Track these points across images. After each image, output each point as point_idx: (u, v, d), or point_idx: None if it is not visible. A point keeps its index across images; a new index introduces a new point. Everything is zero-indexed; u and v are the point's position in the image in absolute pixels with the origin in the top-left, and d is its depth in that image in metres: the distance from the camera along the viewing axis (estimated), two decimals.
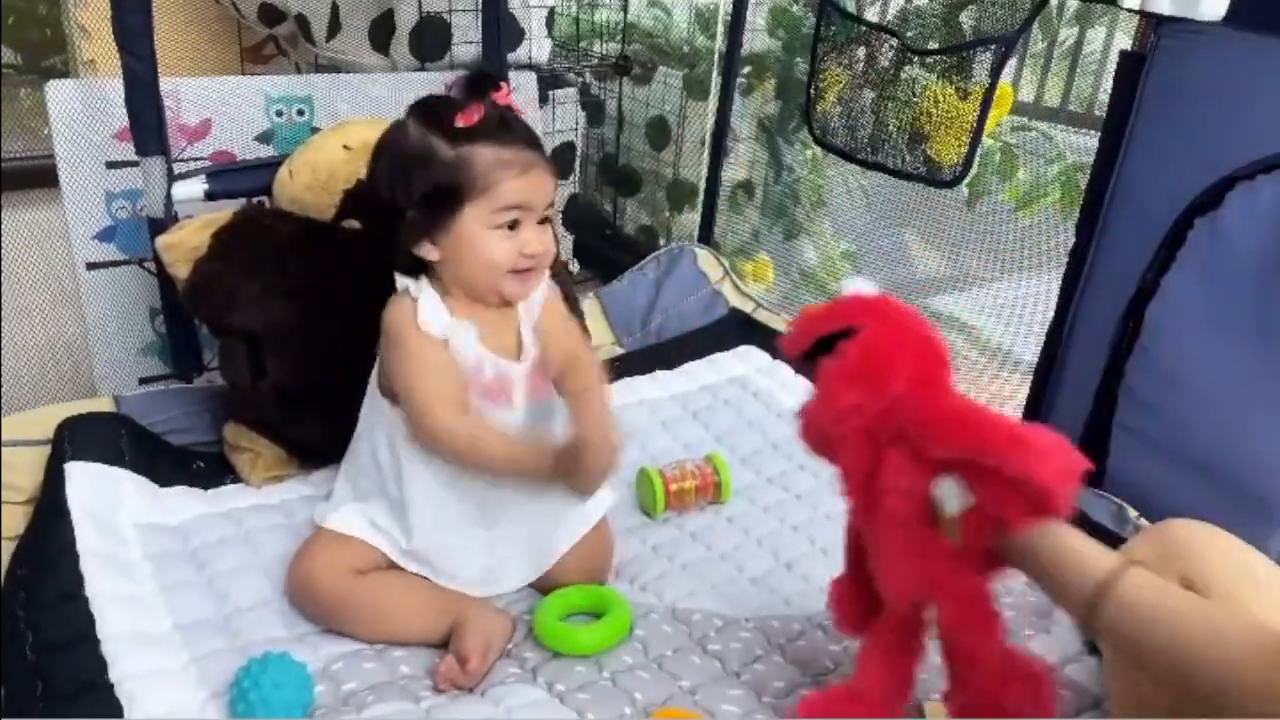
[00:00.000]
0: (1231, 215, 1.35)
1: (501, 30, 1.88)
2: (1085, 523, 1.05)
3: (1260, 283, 1.34)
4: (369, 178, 1.22)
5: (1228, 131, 1.36)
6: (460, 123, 1.12)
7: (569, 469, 1.08)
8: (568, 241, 2.57)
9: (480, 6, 1.97)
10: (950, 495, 0.92)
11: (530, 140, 1.18)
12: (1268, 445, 1.35)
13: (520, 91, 2.04)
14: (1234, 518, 1.05)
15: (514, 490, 1.24)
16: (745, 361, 1.88)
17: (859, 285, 1.02)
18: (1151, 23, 1.42)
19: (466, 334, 1.17)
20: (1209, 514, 1.04)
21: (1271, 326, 1.33)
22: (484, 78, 1.15)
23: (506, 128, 1.15)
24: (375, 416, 1.23)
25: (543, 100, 2.33)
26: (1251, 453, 1.37)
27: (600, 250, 2.77)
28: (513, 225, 1.15)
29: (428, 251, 1.16)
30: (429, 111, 1.16)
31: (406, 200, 1.14)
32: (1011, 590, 1.31)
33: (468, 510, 1.21)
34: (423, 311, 1.16)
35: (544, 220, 1.19)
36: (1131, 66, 1.45)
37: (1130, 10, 1.43)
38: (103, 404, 1.48)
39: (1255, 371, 1.35)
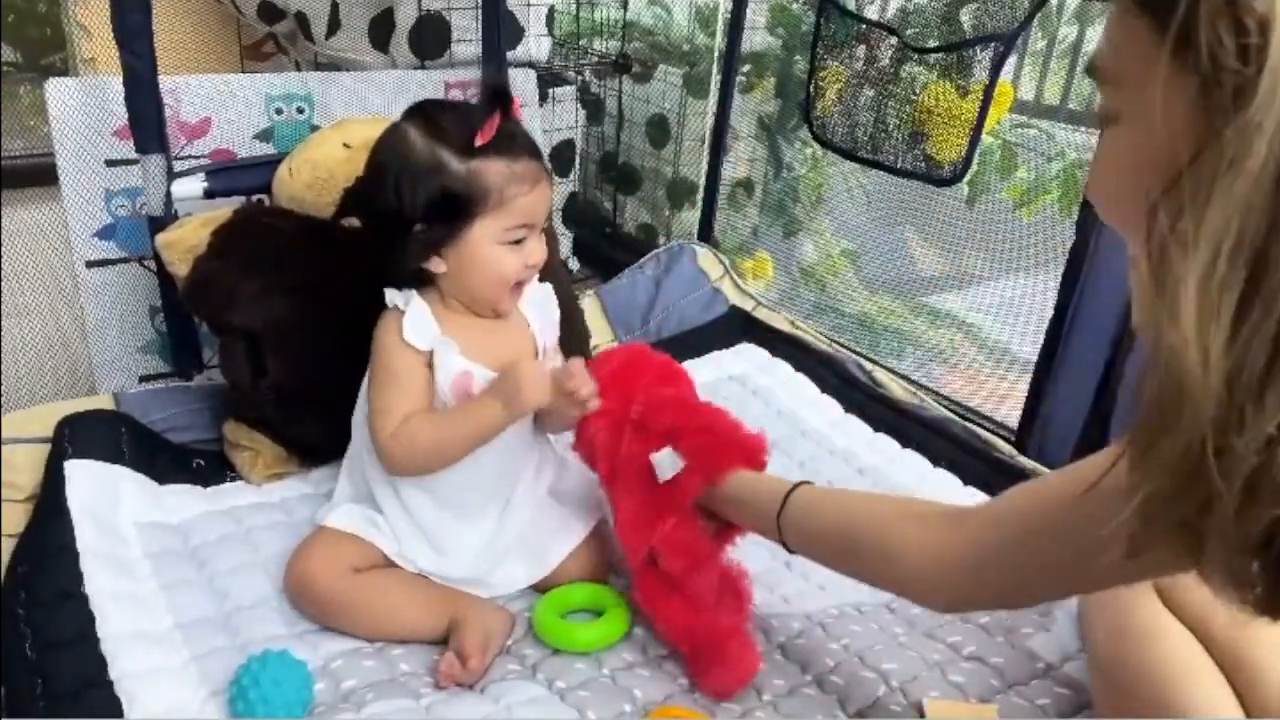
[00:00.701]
0: None
1: (501, 28, 1.87)
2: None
3: None
4: (366, 187, 1.20)
5: None
6: (479, 140, 1.11)
7: (510, 394, 1.14)
8: (567, 240, 2.57)
9: (480, 4, 1.97)
10: (666, 461, 1.16)
11: (534, 151, 1.18)
12: None
13: (520, 89, 2.04)
14: None
15: (511, 487, 1.25)
16: (745, 359, 1.88)
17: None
18: None
19: (450, 350, 1.16)
20: None
21: None
22: (501, 93, 1.15)
23: (514, 140, 1.15)
24: (364, 425, 1.23)
25: (542, 98, 2.33)
26: None
27: (600, 248, 2.77)
28: (519, 240, 1.16)
29: (435, 265, 1.16)
30: (432, 121, 1.15)
31: (414, 213, 1.13)
32: None
33: (466, 508, 1.22)
34: (408, 325, 1.16)
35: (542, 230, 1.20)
36: None
37: None
38: (102, 402, 1.48)
39: None
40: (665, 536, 1.15)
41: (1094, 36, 2.37)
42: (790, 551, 1.08)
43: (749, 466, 1.15)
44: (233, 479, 1.44)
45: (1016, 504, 0.85)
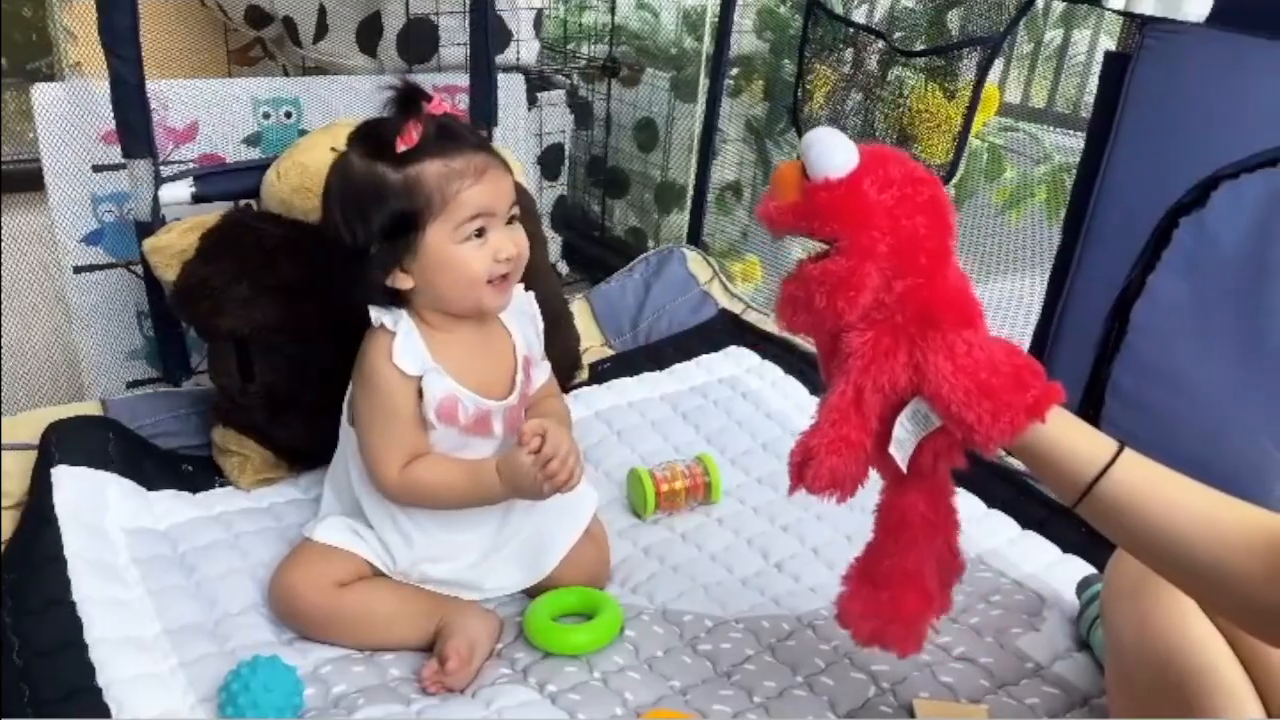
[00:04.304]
0: (1216, 214, 1.36)
1: (489, 32, 1.87)
2: None
3: (1245, 282, 1.35)
4: (324, 220, 1.19)
5: (1212, 131, 1.37)
6: (401, 146, 1.10)
7: (513, 476, 1.12)
8: (556, 243, 2.57)
9: (468, 8, 1.97)
10: (909, 426, 0.91)
11: (478, 143, 1.16)
12: (1254, 443, 1.36)
13: (508, 93, 2.04)
14: None
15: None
16: (735, 362, 1.88)
17: (830, 159, 0.86)
18: (1136, 23, 1.43)
19: (440, 376, 1.16)
20: None
21: (1257, 325, 1.34)
22: (411, 93, 1.13)
23: (450, 136, 1.13)
24: (348, 441, 1.23)
25: (531, 102, 2.33)
26: (1239, 451, 1.38)
27: (589, 252, 2.77)
28: (480, 233, 1.14)
29: (401, 281, 1.15)
30: (368, 139, 1.14)
31: (367, 236, 1.12)
32: (1000, 589, 1.32)
33: (464, 518, 1.22)
34: (399, 349, 1.15)
35: (511, 220, 1.17)
36: (1116, 67, 1.46)
37: (1114, 11, 1.44)
38: (90, 408, 1.48)
39: (1241, 370, 1.36)
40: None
41: (1080, 40, 2.38)
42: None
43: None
44: (221, 484, 1.43)
45: None
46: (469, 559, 1.23)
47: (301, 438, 1.41)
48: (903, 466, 0.92)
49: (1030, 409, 0.84)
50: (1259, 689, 0.93)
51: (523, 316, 1.28)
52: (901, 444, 0.91)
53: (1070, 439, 0.85)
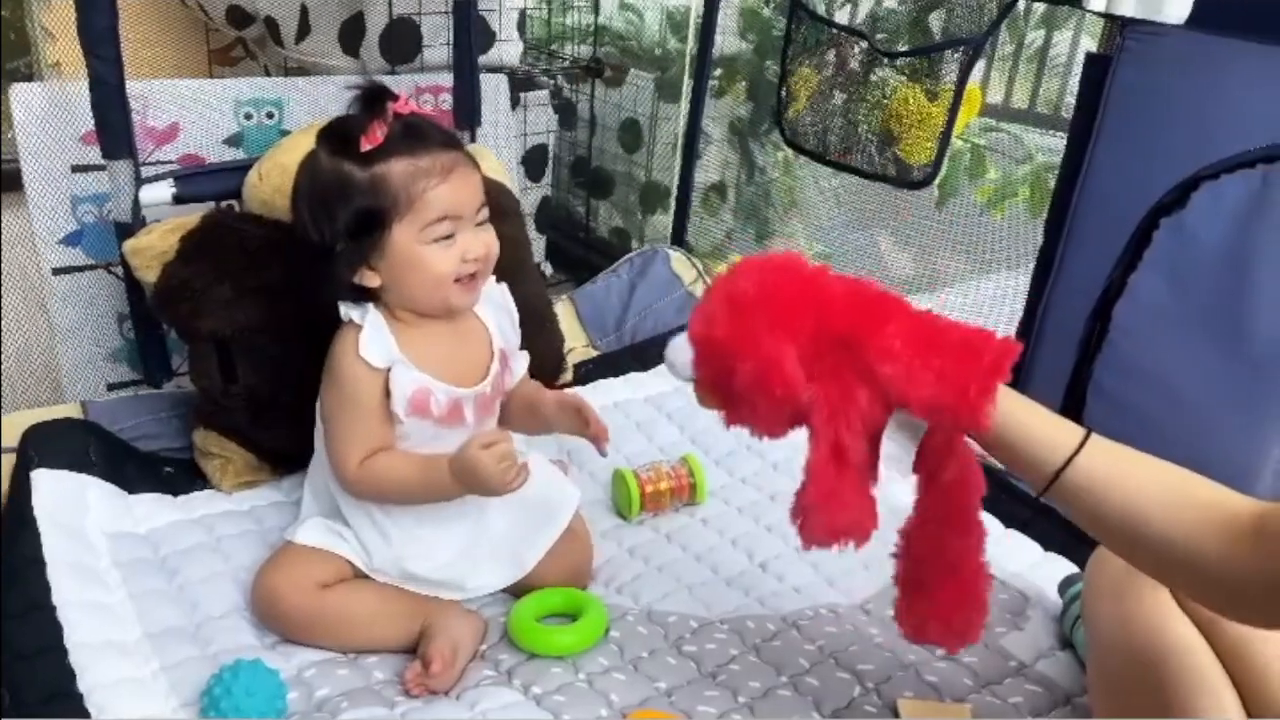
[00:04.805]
0: (1197, 215, 1.37)
1: (472, 32, 1.87)
2: None
3: (1226, 282, 1.35)
4: (293, 218, 1.19)
5: (1192, 132, 1.38)
6: (365, 146, 1.10)
7: (464, 472, 1.10)
8: (540, 243, 2.57)
9: (451, 8, 1.96)
10: (898, 441, 0.94)
11: (446, 141, 1.15)
12: (1236, 442, 1.37)
13: (492, 94, 2.04)
14: None
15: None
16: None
17: (680, 357, 0.96)
18: (1116, 25, 1.44)
19: (406, 369, 1.15)
20: None
21: (1237, 326, 1.35)
22: (377, 92, 1.12)
23: (417, 135, 1.12)
24: (323, 440, 1.23)
25: (515, 103, 2.32)
26: (1220, 449, 1.39)
27: (573, 252, 2.77)
28: (448, 235, 1.13)
29: (368, 279, 1.15)
30: (335, 137, 1.14)
31: (333, 234, 1.12)
32: None
33: (440, 517, 1.21)
34: (365, 342, 1.15)
35: (481, 219, 1.17)
36: (1097, 69, 1.46)
37: (1095, 13, 1.45)
38: (70, 410, 1.47)
39: (1221, 369, 1.37)
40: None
41: (1061, 41, 2.39)
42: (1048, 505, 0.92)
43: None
44: (203, 487, 1.42)
45: None
46: (448, 556, 1.22)
47: (283, 440, 1.41)
48: (903, 476, 0.94)
49: (991, 370, 0.86)
50: (1239, 689, 0.93)
51: (497, 309, 1.28)
52: (895, 459, 0.94)
53: (1038, 426, 0.87)
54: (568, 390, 1.30)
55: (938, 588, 0.98)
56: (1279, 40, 1.28)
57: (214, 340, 1.37)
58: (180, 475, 1.43)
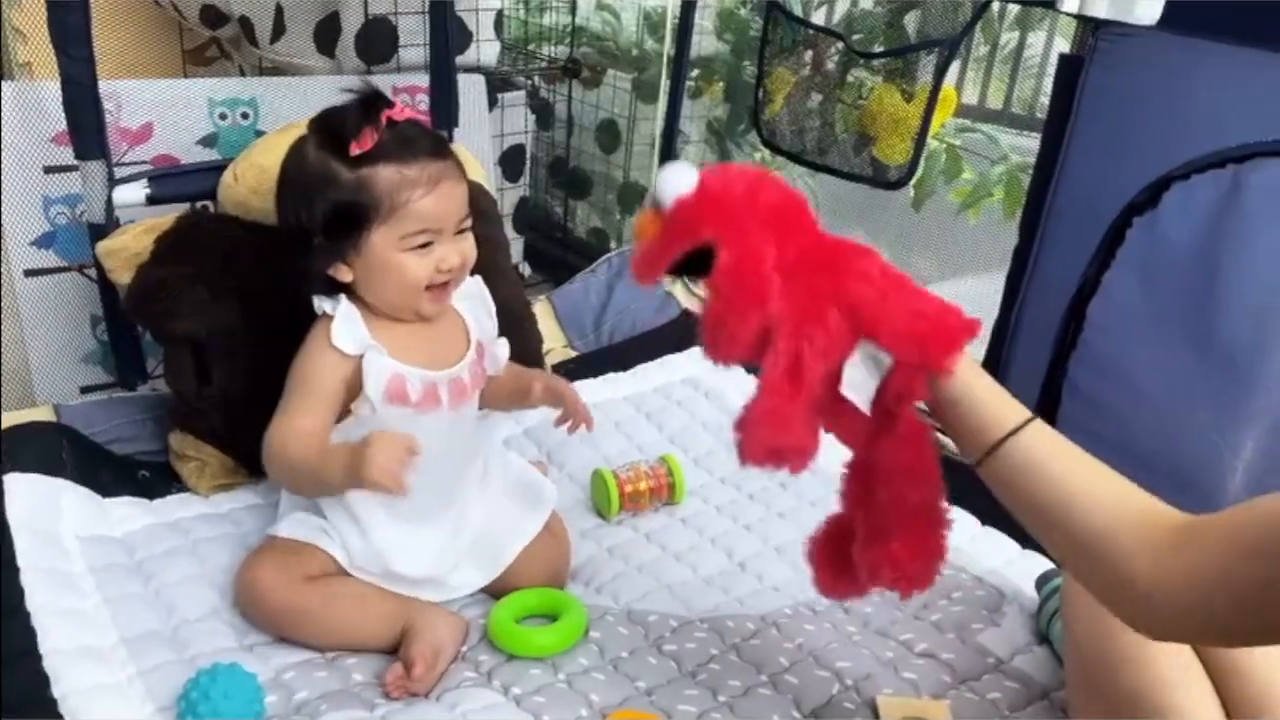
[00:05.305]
0: (1168, 215, 1.38)
1: (449, 33, 1.86)
2: None
3: (1197, 281, 1.37)
4: (276, 199, 1.19)
5: (1164, 132, 1.39)
6: (354, 151, 1.09)
7: (354, 466, 1.03)
8: (518, 244, 2.57)
9: (427, 9, 1.96)
10: (861, 370, 0.91)
11: (436, 150, 1.15)
12: (1206, 438, 1.39)
13: (469, 94, 2.03)
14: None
15: (461, 492, 1.24)
16: (697, 362, 1.88)
17: (674, 184, 0.90)
18: (1089, 27, 1.46)
19: (379, 354, 1.15)
20: None
21: (1208, 324, 1.37)
22: (373, 99, 1.12)
23: (407, 143, 1.12)
24: None
25: (492, 103, 2.32)
26: (1190, 445, 1.40)
27: (551, 253, 2.77)
28: (426, 244, 1.13)
29: (341, 274, 1.14)
30: (326, 131, 1.13)
31: (311, 225, 1.12)
32: (961, 585, 1.34)
33: (416, 515, 1.21)
34: (338, 329, 1.14)
35: (461, 228, 1.16)
36: (1070, 70, 1.48)
37: (1068, 14, 1.46)
38: (42, 413, 1.45)
39: (1192, 366, 1.39)
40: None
41: (1035, 42, 2.42)
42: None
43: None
44: (179, 491, 1.41)
45: (1266, 524, 0.70)
46: (427, 555, 1.22)
47: (259, 442, 1.39)
48: (863, 408, 0.92)
49: (962, 327, 0.87)
50: (1217, 687, 0.94)
51: (473, 301, 1.27)
52: (857, 386, 0.91)
53: (991, 396, 0.88)
54: (554, 376, 1.31)
55: (894, 534, 0.95)
56: (1248, 42, 1.30)
57: (189, 342, 1.36)
58: (155, 479, 1.42)
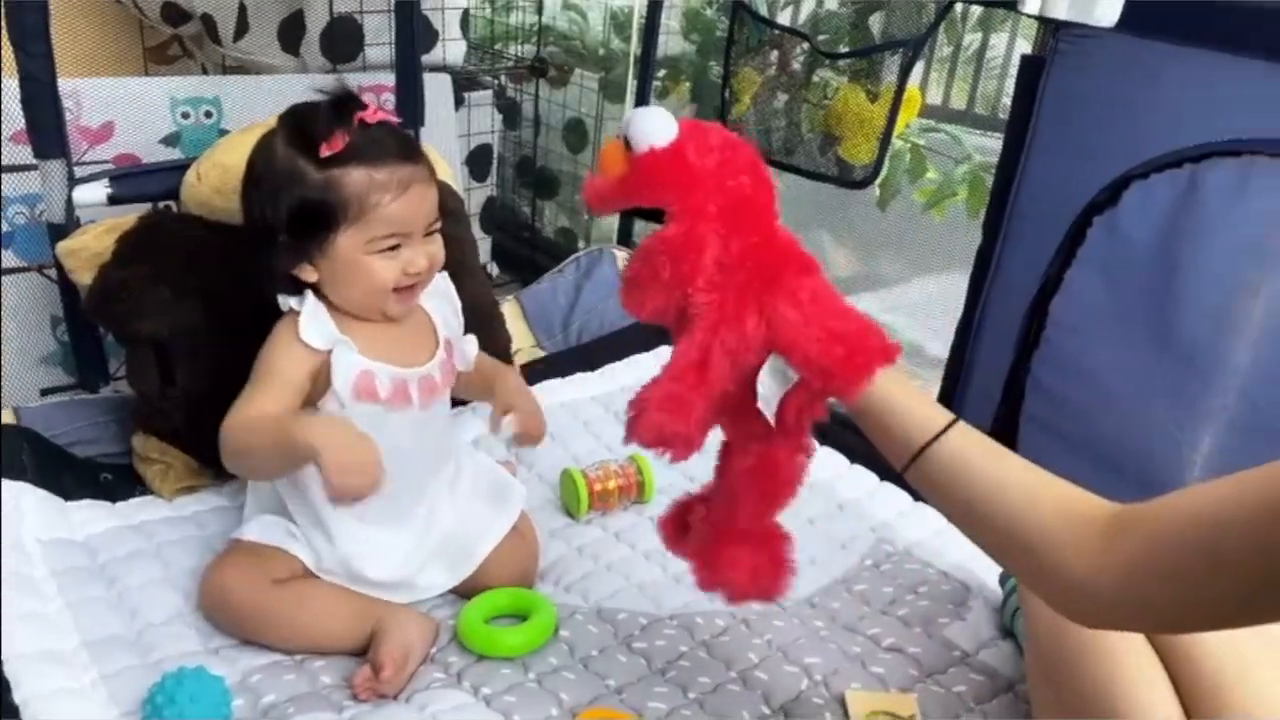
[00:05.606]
0: (1128, 213, 1.41)
1: (415, 32, 1.86)
2: None
3: (1156, 279, 1.39)
4: (241, 195, 1.17)
5: (1123, 132, 1.42)
6: (325, 152, 1.08)
7: (309, 445, 1.02)
8: (486, 244, 2.56)
9: (393, 7, 1.95)
10: (770, 381, 0.92)
11: (406, 153, 1.14)
12: (1166, 434, 1.41)
13: (435, 93, 2.03)
14: None
15: (430, 493, 1.24)
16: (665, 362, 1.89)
17: (650, 131, 0.88)
18: (1050, 28, 1.48)
19: (348, 349, 1.14)
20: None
21: (1167, 322, 1.39)
22: (346, 101, 1.11)
23: (378, 145, 1.11)
24: None
25: (458, 103, 2.31)
26: (1151, 441, 1.43)
27: (519, 253, 2.76)
28: (394, 247, 1.12)
29: (306, 274, 1.13)
30: (296, 128, 1.12)
31: (276, 223, 1.11)
32: (927, 580, 1.35)
33: (385, 516, 1.20)
34: (305, 324, 1.13)
35: (430, 231, 1.16)
36: (1032, 70, 1.50)
37: (1029, 15, 1.48)
38: (2, 416, 1.43)
39: (1152, 363, 1.41)
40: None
41: (998, 43, 2.44)
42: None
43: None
44: (142, 493, 1.39)
45: (1197, 512, 0.71)
46: (395, 557, 1.21)
47: None
48: (770, 420, 0.93)
49: (883, 351, 0.88)
50: (1175, 682, 0.96)
51: (441, 298, 1.27)
52: (766, 400, 0.92)
53: (913, 404, 0.88)
54: (523, 388, 1.30)
55: (740, 543, 0.98)
56: (1204, 44, 1.33)
57: (152, 343, 1.35)
58: (119, 481, 1.40)
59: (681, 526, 1.06)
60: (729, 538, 0.99)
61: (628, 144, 0.90)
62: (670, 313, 0.91)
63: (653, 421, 0.88)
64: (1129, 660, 0.97)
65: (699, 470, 1.56)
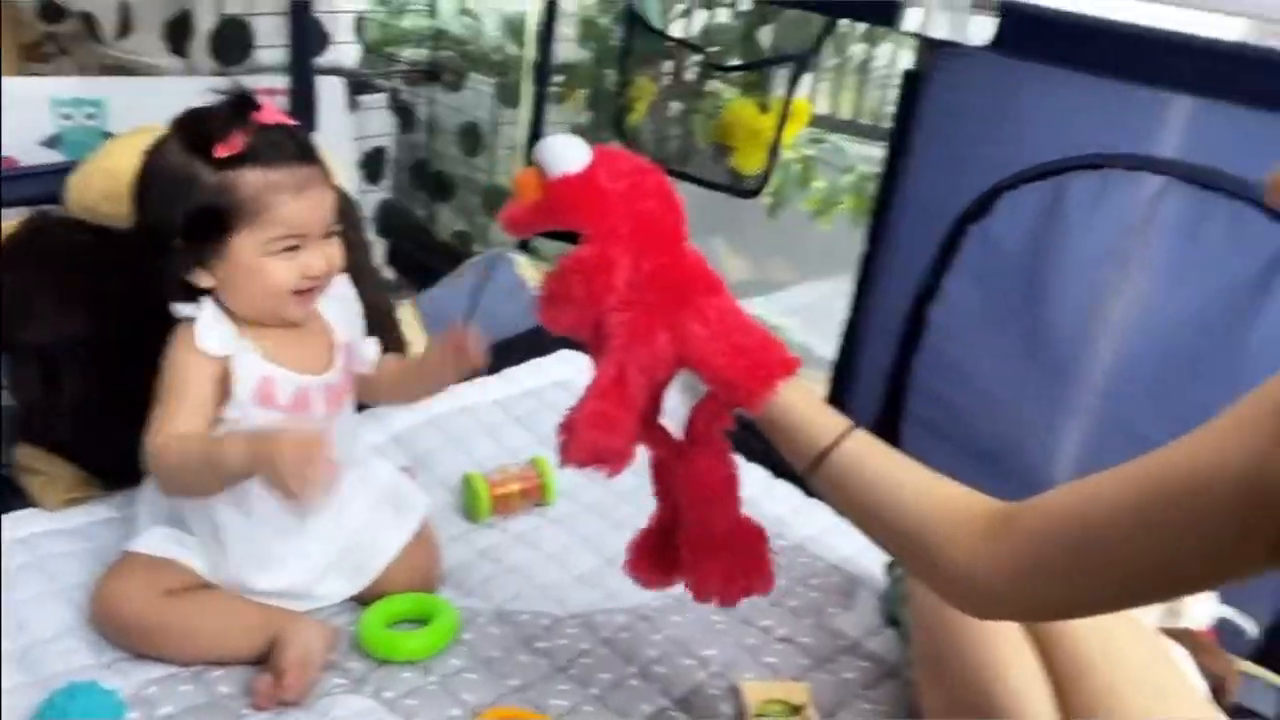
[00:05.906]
0: (999, 222, 1.49)
1: (307, 34, 1.84)
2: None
3: (1026, 284, 1.48)
4: (133, 200, 1.16)
5: (996, 145, 1.50)
6: (222, 153, 1.07)
7: (264, 457, 1.02)
8: (381, 247, 2.54)
9: (285, 9, 1.93)
10: (689, 385, 0.97)
11: (304, 154, 1.13)
12: (1039, 433, 1.49)
13: (328, 96, 2.01)
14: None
15: (330, 501, 1.23)
16: (566, 365, 1.91)
17: (563, 158, 0.92)
18: (929, 45, 1.55)
19: (249, 354, 1.13)
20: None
21: (1036, 326, 1.47)
22: (243, 101, 1.10)
23: (275, 146, 1.10)
24: None
25: (352, 105, 2.29)
26: (1026, 439, 1.51)
27: (415, 256, 2.74)
28: (291, 248, 1.12)
29: (202, 279, 1.12)
30: (190, 130, 1.11)
31: (171, 228, 1.10)
32: (817, 572, 1.41)
33: (284, 524, 1.19)
34: (202, 331, 1.12)
35: (329, 234, 1.16)
36: (913, 85, 1.57)
37: (908, 34, 1.56)
38: None
39: (1024, 364, 1.49)
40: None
41: (882, 56, 2.54)
42: (809, 491, 0.98)
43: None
44: (25, 505, 1.35)
45: (1073, 508, 0.76)
46: (292, 569, 1.21)
47: (114, 454, 1.34)
48: (677, 433, 0.98)
49: (783, 364, 0.93)
50: (1060, 682, 1.01)
51: (339, 301, 1.26)
52: (673, 413, 0.98)
53: (811, 411, 0.93)
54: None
55: (708, 556, 1.02)
56: (1067, 65, 1.42)
57: (37, 350, 1.31)
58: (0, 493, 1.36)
59: (655, 563, 1.08)
60: (707, 548, 1.02)
61: (542, 170, 0.93)
62: (585, 329, 0.95)
63: (585, 440, 0.91)
64: (1003, 643, 1.03)
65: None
